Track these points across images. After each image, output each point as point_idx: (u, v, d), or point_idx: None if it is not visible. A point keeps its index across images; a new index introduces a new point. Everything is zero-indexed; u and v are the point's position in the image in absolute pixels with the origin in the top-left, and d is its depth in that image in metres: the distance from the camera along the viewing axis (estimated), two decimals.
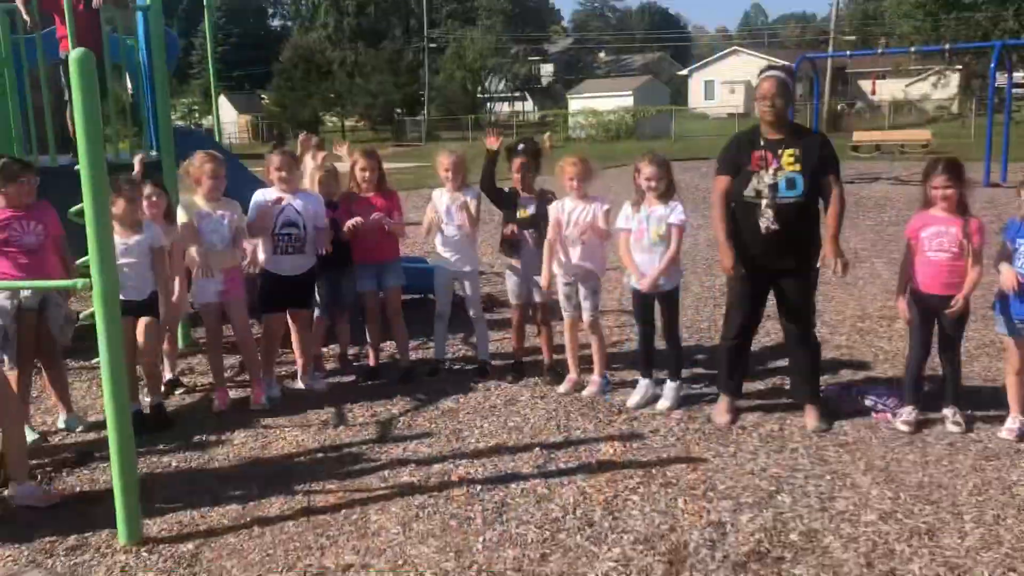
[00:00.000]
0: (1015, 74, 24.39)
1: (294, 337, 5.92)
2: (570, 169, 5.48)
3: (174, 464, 4.78)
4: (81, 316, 6.58)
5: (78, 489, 4.49)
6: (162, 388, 5.64)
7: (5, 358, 4.97)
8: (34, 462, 4.79)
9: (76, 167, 5.91)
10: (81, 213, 5.77)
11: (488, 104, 66.03)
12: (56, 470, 4.71)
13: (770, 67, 5.00)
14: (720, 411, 5.17)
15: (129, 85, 7.50)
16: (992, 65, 17.58)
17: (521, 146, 5.85)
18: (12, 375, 4.89)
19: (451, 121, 55.02)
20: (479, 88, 64.34)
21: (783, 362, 6.10)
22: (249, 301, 5.75)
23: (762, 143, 4.85)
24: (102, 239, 3.65)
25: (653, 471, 4.46)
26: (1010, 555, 3.58)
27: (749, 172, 4.84)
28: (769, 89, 4.82)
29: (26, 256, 4.97)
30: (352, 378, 6.21)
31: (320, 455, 4.83)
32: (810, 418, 5.00)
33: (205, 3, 7.78)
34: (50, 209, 5.19)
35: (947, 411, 4.96)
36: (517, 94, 67.86)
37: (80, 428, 5.38)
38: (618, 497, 4.17)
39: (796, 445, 4.76)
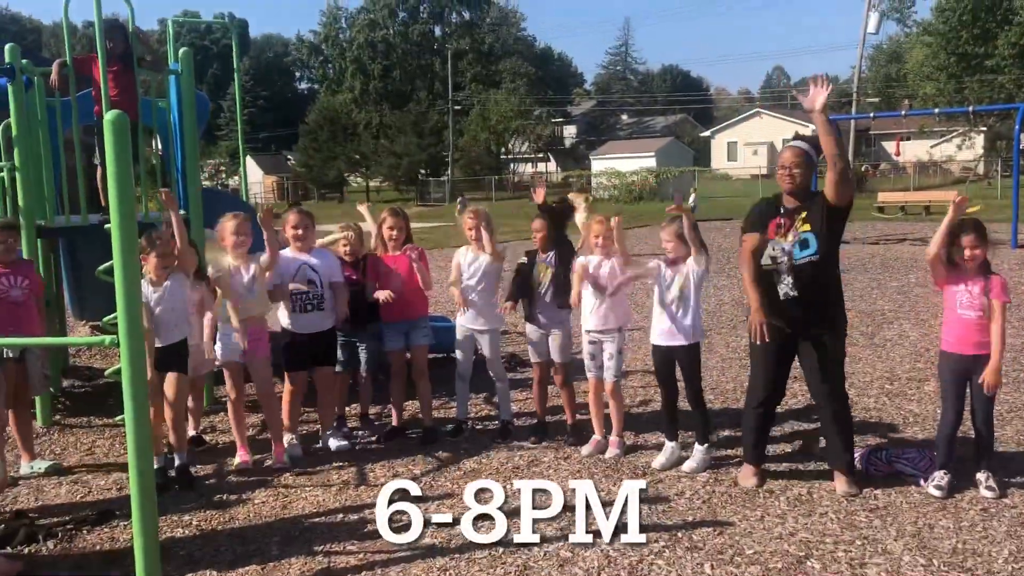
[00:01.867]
0: None
1: (318, 396, 5.92)
2: (597, 227, 5.51)
3: (194, 523, 4.75)
4: (106, 373, 6.64)
5: (98, 548, 4.46)
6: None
7: None
8: (55, 520, 4.80)
9: (106, 226, 6.07)
10: (109, 271, 5.91)
11: (511, 165, 66.75)
12: (76, 528, 4.68)
13: (796, 137, 5.03)
14: (746, 474, 5.08)
15: (158, 146, 7.65)
16: (1017, 127, 17.57)
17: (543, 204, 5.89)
18: None
19: (474, 182, 55.61)
20: (503, 149, 65.12)
21: (811, 424, 6.02)
22: (272, 360, 5.77)
23: (781, 211, 4.88)
24: (131, 297, 3.68)
25: (679, 535, 4.37)
26: None
27: (766, 240, 4.85)
28: (790, 159, 4.85)
29: (13, 309, 5.35)
30: (374, 437, 6.17)
31: (340, 516, 4.78)
32: (840, 482, 4.90)
33: (235, 66, 7.97)
34: (31, 265, 5.81)
35: (980, 476, 4.84)
36: (540, 155, 68.60)
37: (45, 471, 5.54)
38: (643, 562, 4.08)
39: (825, 509, 4.66)
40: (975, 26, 37.84)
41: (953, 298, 4.86)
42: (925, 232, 19.60)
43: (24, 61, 6.50)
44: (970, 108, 23.35)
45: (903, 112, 20.68)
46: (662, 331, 5.32)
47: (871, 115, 23.62)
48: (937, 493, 4.76)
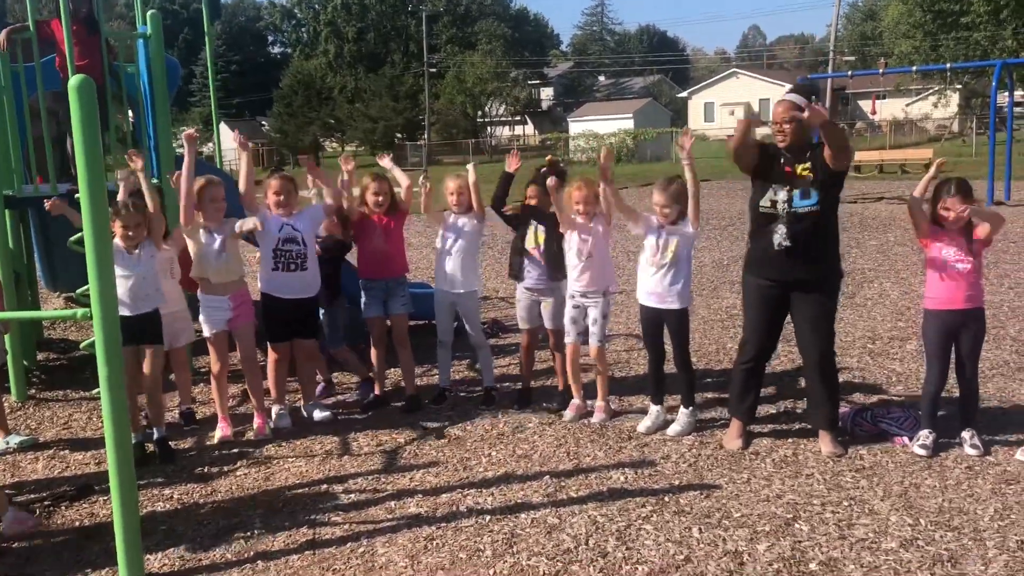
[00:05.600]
0: (1016, 92, 24.39)
1: (298, 367, 5.85)
2: (576, 194, 5.42)
3: (175, 497, 4.67)
4: (81, 346, 6.51)
5: (77, 524, 4.39)
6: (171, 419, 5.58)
7: None
8: (32, 496, 4.71)
9: (76, 195, 5.92)
10: (81, 241, 5.76)
11: (488, 128, 66.26)
12: (55, 504, 4.60)
13: (791, 89, 4.92)
14: (732, 436, 5.07)
15: (130, 113, 7.46)
16: (993, 84, 17.59)
17: (543, 169, 5.79)
18: None
19: (451, 145, 55.17)
20: (479, 112, 64.59)
21: (794, 385, 6.02)
22: (255, 328, 5.68)
23: (782, 158, 4.81)
24: (103, 268, 3.57)
25: (666, 499, 4.35)
26: None
27: (767, 183, 4.78)
28: (782, 114, 4.76)
29: None
30: (356, 407, 6.11)
31: (324, 486, 4.72)
32: (825, 443, 4.90)
33: (206, 31, 7.77)
34: None
35: (965, 434, 4.86)
36: (517, 118, 68.12)
37: (20, 446, 5.47)
38: (631, 527, 4.06)
39: (811, 471, 4.65)
40: None
41: (939, 255, 4.83)
42: (902, 190, 19.68)
43: None
44: (948, 66, 23.31)
45: (881, 70, 20.59)
46: (652, 292, 5.27)
47: (849, 73, 23.53)
48: (922, 452, 4.77)
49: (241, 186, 5.51)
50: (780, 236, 4.77)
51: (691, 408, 5.31)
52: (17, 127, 6.55)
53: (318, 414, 5.82)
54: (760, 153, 4.88)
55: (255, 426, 5.57)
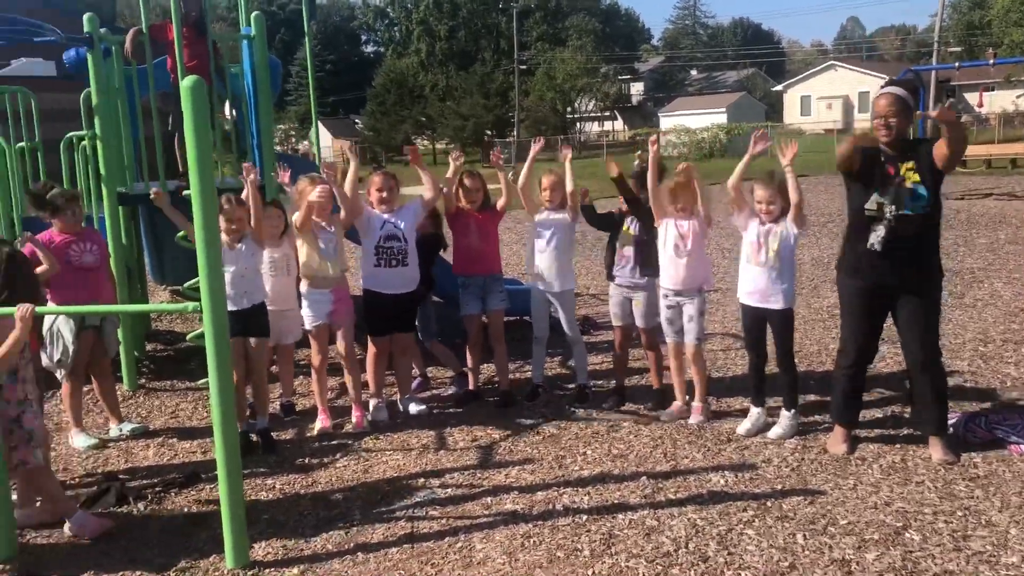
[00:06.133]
0: None
1: (395, 361, 5.93)
2: (674, 188, 5.34)
3: (278, 487, 4.79)
4: (188, 337, 6.74)
5: (185, 510, 4.54)
6: (272, 410, 5.73)
7: (61, 373, 5.47)
8: (143, 482, 4.90)
9: (184, 192, 6.12)
10: (187, 238, 5.96)
11: (578, 124, 66.01)
12: (165, 490, 4.77)
13: (890, 81, 4.74)
14: (836, 441, 4.91)
15: (229, 112, 7.67)
16: None
17: (636, 163, 5.75)
18: (65, 389, 5.52)
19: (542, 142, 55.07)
20: (568, 108, 64.39)
21: (901, 388, 5.79)
22: (355, 323, 5.79)
23: (883, 158, 4.61)
24: (212, 263, 3.67)
25: (768, 503, 4.24)
26: None
27: (870, 186, 4.60)
28: (885, 107, 4.55)
29: (85, 274, 5.47)
30: (451, 401, 6.16)
31: (422, 480, 4.77)
32: (936, 450, 4.69)
33: (305, 31, 7.92)
34: (98, 232, 5.97)
35: None
36: (607, 113, 67.66)
37: (131, 433, 5.73)
38: (732, 531, 3.97)
39: (922, 478, 4.46)
40: None
41: None
42: (1012, 186, 18.74)
43: (103, 30, 6.55)
44: None
45: (991, 61, 19.64)
46: (754, 291, 5.13)
47: (957, 65, 22.54)
48: None
49: (347, 186, 5.61)
50: (881, 238, 4.58)
51: (793, 411, 5.16)
52: (130, 127, 6.82)
53: (414, 408, 5.89)
54: (862, 157, 4.69)
55: (353, 419, 5.66)
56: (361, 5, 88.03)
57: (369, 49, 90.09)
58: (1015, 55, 33.52)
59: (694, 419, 5.41)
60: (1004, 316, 7.81)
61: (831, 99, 58.10)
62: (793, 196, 4.93)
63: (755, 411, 5.25)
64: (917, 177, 4.51)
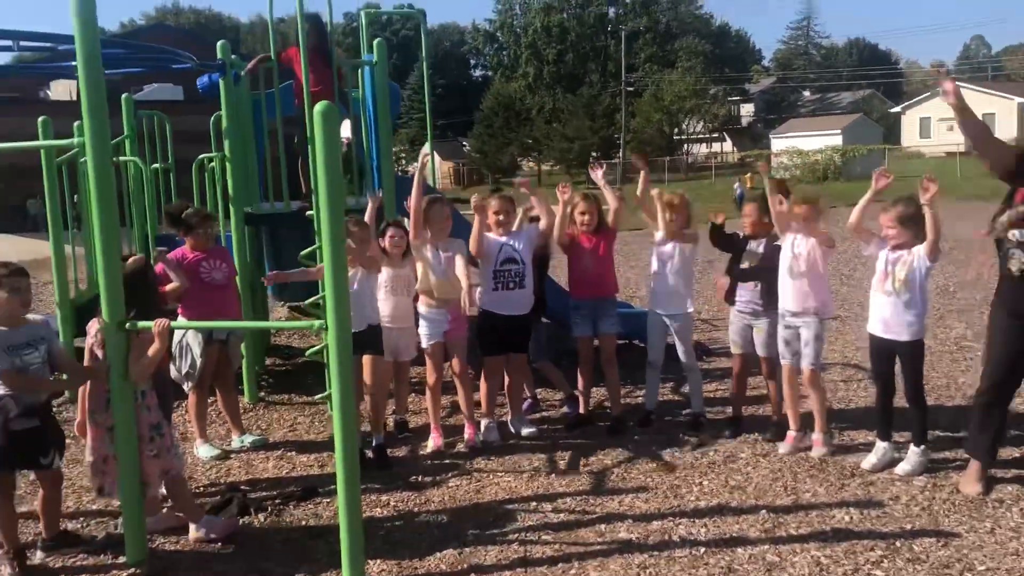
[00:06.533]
0: None
1: (509, 382, 5.95)
2: (797, 209, 5.20)
3: (392, 504, 4.85)
4: (307, 353, 6.92)
5: (304, 523, 4.64)
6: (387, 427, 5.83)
7: (188, 384, 5.68)
8: (264, 493, 5.03)
9: (307, 213, 6.30)
10: (311, 256, 6.14)
11: (685, 145, 65.31)
12: (284, 502, 4.89)
13: None
14: (970, 479, 4.64)
15: (346, 135, 7.88)
16: None
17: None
18: (192, 400, 5.73)
19: (648, 163, 54.72)
20: (676, 130, 63.81)
21: None
22: (468, 343, 5.84)
23: None
24: (338, 282, 3.75)
25: (897, 544, 4.04)
26: None
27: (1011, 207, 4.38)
28: None
29: (215, 291, 5.74)
30: (562, 423, 6.12)
31: (534, 503, 4.74)
32: None
33: (423, 56, 8.11)
34: (226, 250, 6.26)
35: None
36: (715, 135, 66.72)
37: (252, 444, 5.89)
38: (859, 571, 3.79)
39: None
40: None
41: None
42: None
43: (233, 57, 6.86)
44: None
45: None
46: (881, 320, 4.92)
47: None
48: None
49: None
50: (1018, 261, 4.36)
51: (923, 447, 4.91)
52: (256, 150, 7.10)
53: (525, 430, 5.88)
54: (1018, 160, 4.45)
55: (465, 437, 5.70)
56: (471, 30, 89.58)
57: (478, 73, 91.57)
58: None
59: (816, 451, 5.22)
60: None
61: (952, 121, 55.62)
62: (930, 234, 4.69)
63: (881, 445, 5.02)
64: None
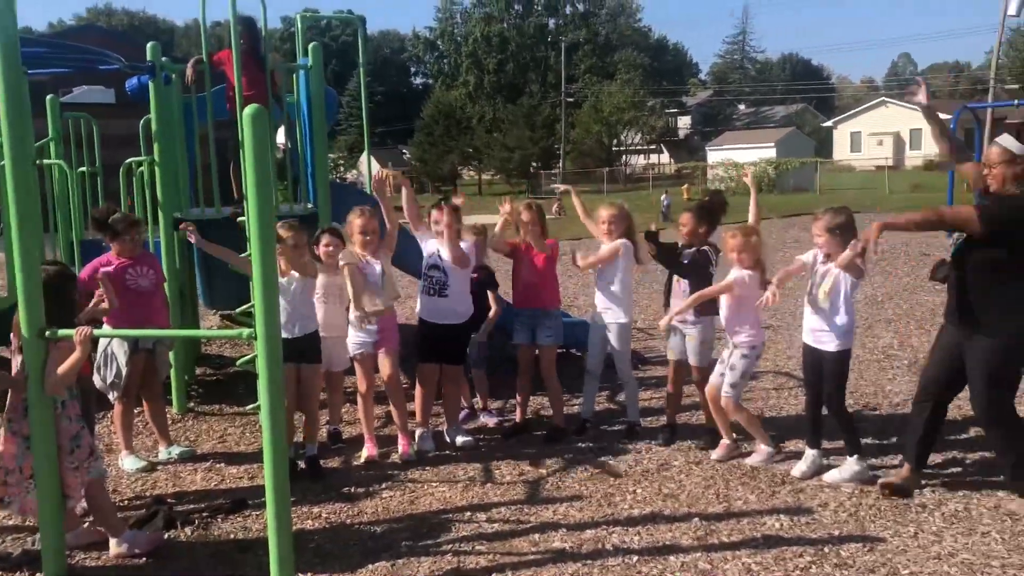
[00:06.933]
0: None
1: (444, 392, 5.91)
2: (731, 242, 5.24)
3: (324, 515, 4.76)
4: (238, 363, 6.78)
5: (233, 537, 4.52)
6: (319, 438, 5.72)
7: (113, 394, 5.53)
8: (191, 507, 4.90)
9: (238, 219, 6.18)
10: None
11: (624, 156, 66.03)
12: (212, 515, 4.76)
13: (1006, 135, 4.58)
14: (897, 479, 4.75)
15: (282, 141, 7.76)
16: None
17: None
18: (117, 410, 5.58)
19: (586, 174, 55.21)
20: (615, 141, 64.49)
21: (967, 433, 5.60)
22: (401, 352, 5.78)
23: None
24: (268, 290, 3.67)
25: (825, 549, 4.10)
26: None
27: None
28: (997, 157, 4.42)
29: (142, 298, 5.56)
30: (497, 434, 6.10)
31: (468, 513, 4.70)
32: (1016, 502, 4.52)
33: (360, 62, 7.99)
34: (154, 256, 6.11)
35: None
36: (653, 147, 67.61)
37: (180, 456, 5.75)
38: None
39: (987, 528, 4.29)
40: None
41: None
42: None
43: (164, 59, 6.70)
44: None
45: None
46: (810, 330, 5.00)
47: (1015, 103, 22.15)
48: None
49: (406, 213, 5.78)
50: (942, 274, 4.69)
51: (855, 456, 4.97)
52: (187, 155, 6.93)
53: (460, 439, 5.83)
54: None
55: (400, 448, 5.63)
56: (411, 37, 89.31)
57: (418, 80, 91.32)
58: None
59: (753, 459, 5.27)
60: None
61: (882, 135, 57.41)
62: (842, 260, 4.70)
63: (811, 453, 5.09)
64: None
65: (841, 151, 60.52)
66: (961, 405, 5.72)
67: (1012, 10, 32.78)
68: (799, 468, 5.06)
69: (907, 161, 55.59)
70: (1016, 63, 61.82)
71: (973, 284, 4.48)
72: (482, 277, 6.24)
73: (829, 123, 66.38)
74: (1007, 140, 4.45)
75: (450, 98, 66.20)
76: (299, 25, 7.60)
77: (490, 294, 6.32)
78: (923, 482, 4.83)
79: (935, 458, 5.21)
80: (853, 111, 64.95)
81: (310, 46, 6.98)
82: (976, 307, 4.46)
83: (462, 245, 5.63)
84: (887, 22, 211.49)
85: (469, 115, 66.06)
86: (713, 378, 5.41)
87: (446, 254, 5.56)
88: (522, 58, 73.65)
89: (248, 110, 3.67)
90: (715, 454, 5.41)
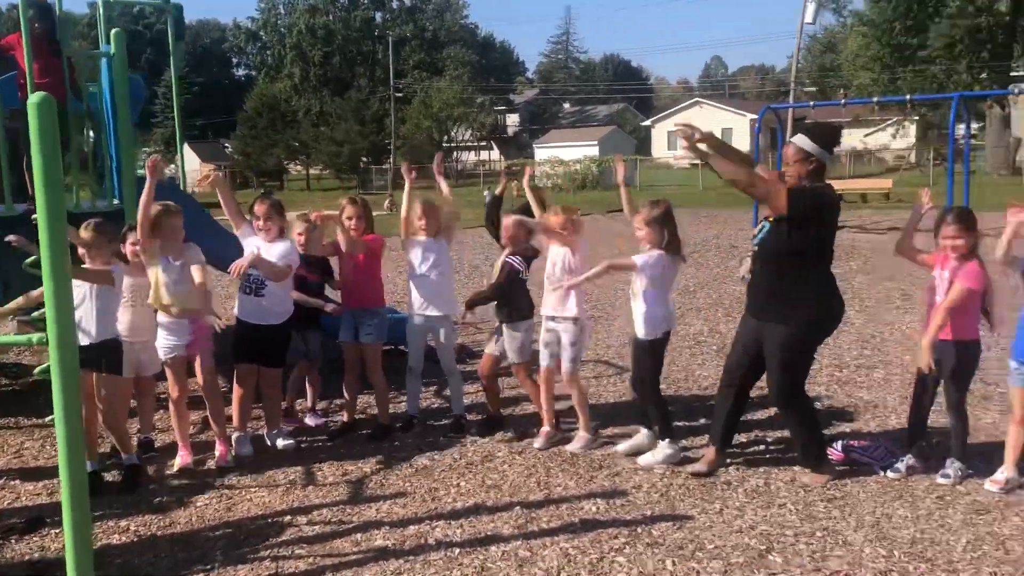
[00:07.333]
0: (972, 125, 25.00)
1: (263, 395, 5.71)
2: (554, 220, 5.40)
3: (132, 528, 4.51)
4: (36, 371, 6.30)
5: (27, 558, 4.20)
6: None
7: None
8: None
9: (32, 217, 5.74)
10: (37, 264, 5.59)
11: (455, 153, 66.35)
12: (4, 537, 4.41)
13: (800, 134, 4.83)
14: (703, 461, 5.03)
15: (91, 133, 7.30)
16: (952, 117, 17.94)
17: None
18: None
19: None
20: (445, 137, 64.68)
21: (766, 414, 5.99)
22: (217, 353, 5.53)
23: None
24: (59, 293, 3.43)
25: (639, 530, 4.28)
26: None
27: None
28: (792, 156, 4.74)
29: None
30: (322, 434, 5.98)
31: (288, 517, 4.58)
32: (809, 476, 4.87)
33: (171, 51, 7.63)
34: None
35: (951, 465, 4.81)
36: (483, 143, 68.32)
37: None
38: (604, 559, 3.98)
39: (784, 500, 4.61)
40: (908, 18, 38.49)
41: (933, 284, 4.90)
42: (863, 220, 19.95)
43: None
44: (908, 97, 23.74)
45: (843, 102, 20.91)
46: (631, 317, 5.30)
47: (811, 104, 23.93)
48: (894, 476, 4.78)
49: (225, 212, 5.55)
50: (744, 268, 4.96)
51: (667, 440, 5.22)
52: None
53: (281, 442, 5.67)
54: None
55: (217, 454, 5.41)
56: (232, 27, 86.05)
57: (240, 72, 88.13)
58: (862, 96, 35.83)
59: (574, 446, 5.42)
60: (857, 343, 8.23)
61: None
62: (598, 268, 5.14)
63: (644, 432, 5.36)
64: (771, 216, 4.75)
65: (659, 149, 63.33)
66: (763, 388, 6.13)
67: (809, 18, 35.44)
68: (624, 444, 5.36)
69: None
70: (813, 67, 66.68)
71: (771, 274, 4.80)
72: (319, 277, 6.18)
73: (648, 122, 69.30)
74: (801, 139, 4.78)
75: (274, 90, 64.18)
76: (100, 11, 7.15)
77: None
78: (728, 461, 5.14)
79: (739, 438, 5.55)
80: (670, 111, 68.11)
81: (112, 32, 6.58)
82: (773, 296, 4.78)
83: (281, 246, 5.45)
84: (701, 26, 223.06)
85: (295, 108, 64.36)
86: (543, 362, 5.53)
87: (274, 251, 5.39)
88: (349, 51, 72.59)
89: (33, 98, 3.40)
90: (538, 442, 5.53)
